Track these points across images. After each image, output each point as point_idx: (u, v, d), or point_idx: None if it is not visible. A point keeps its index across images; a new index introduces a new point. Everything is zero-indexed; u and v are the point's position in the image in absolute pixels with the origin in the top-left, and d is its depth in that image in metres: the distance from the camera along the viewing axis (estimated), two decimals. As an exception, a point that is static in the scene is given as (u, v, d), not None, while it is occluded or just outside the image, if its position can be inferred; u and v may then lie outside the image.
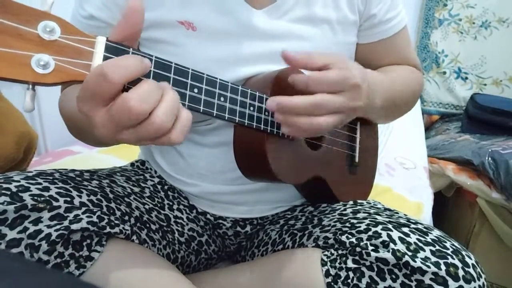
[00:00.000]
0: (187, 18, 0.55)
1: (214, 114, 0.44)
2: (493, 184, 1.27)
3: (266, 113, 0.51)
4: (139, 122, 0.35)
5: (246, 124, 0.48)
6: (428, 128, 1.94)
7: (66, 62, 0.34)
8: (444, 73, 1.93)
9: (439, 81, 1.95)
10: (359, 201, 0.66)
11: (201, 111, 0.43)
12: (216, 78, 0.44)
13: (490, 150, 1.31)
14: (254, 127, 0.49)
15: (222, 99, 0.45)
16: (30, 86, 0.33)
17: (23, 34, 0.32)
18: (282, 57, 0.47)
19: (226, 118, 0.46)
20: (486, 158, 1.29)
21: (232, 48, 0.57)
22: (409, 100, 0.70)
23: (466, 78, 1.92)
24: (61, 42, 0.33)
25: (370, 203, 0.65)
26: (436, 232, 0.53)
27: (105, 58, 0.35)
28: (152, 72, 0.38)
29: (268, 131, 0.51)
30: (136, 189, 0.64)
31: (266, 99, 0.49)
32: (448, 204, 1.54)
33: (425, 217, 1.01)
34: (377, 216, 0.57)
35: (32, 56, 0.32)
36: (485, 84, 1.90)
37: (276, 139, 0.53)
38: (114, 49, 0.36)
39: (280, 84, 0.53)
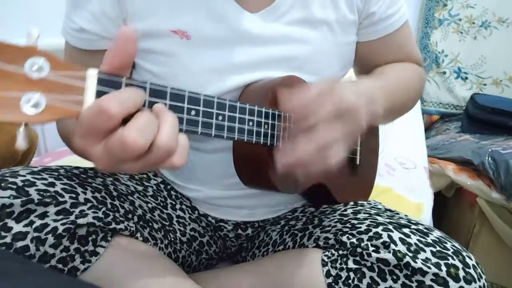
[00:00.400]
0: (180, 27, 0.54)
1: (213, 135, 0.43)
2: (493, 184, 1.27)
3: (266, 127, 0.50)
4: (140, 155, 0.34)
5: (245, 140, 0.47)
6: (428, 128, 1.94)
7: (57, 100, 0.32)
8: (444, 73, 1.93)
9: (439, 81, 1.95)
10: (359, 202, 0.66)
11: (199, 133, 0.41)
12: (213, 98, 0.43)
13: (490, 150, 1.31)
14: (254, 142, 0.48)
15: (220, 118, 0.44)
16: (23, 126, 0.32)
17: (9, 74, 0.30)
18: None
19: (225, 137, 0.45)
20: (486, 158, 1.29)
21: (228, 55, 0.55)
22: (411, 98, 0.69)
23: (466, 78, 1.92)
24: (51, 79, 0.32)
25: (370, 204, 0.65)
26: (436, 233, 0.53)
27: (98, 92, 0.34)
28: (147, 101, 0.37)
29: (268, 144, 0.50)
30: (140, 188, 0.64)
31: (266, 112, 0.49)
32: (448, 204, 1.54)
33: (425, 217, 1.02)
34: (377, 217, 0.57)
35: (21, 96, 0.30)
36: (485, 84, 1.90)
37: (275, 150, 0.51)
38: (106, 82, 0.34)
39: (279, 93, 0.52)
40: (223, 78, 0.55)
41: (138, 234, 0.55)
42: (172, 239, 0.63)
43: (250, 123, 0.47)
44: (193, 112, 0.40)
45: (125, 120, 0.33)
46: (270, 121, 0.50)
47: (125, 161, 0.34)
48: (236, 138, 0.46)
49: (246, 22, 0.55)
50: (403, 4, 0.67)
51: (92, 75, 0.33)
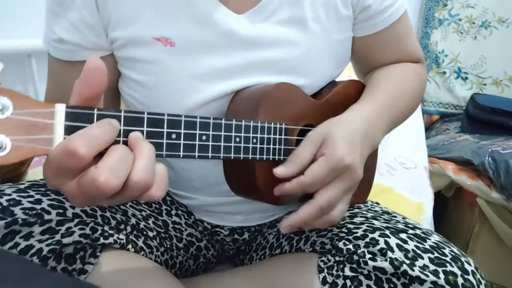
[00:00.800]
0: (164, 34, 0.51)
1: (196, 156, 0.41)
2: (493, 184, 1.27)
3: (254, 140, 0.47)
4: (114, 194, 0.32)
5: (232, 157, 0.45)
6: (428, 128, 1.94)
7: (24, 140, 0.30)
8: (444, 73, 1.93)
9: (439, 81, 1.95)
10: (356, 204, 0.65)
11: (181, 156, 0.39)
12: (196, 118, 0.40)
13: (490, 150, 1.31)
14: (241, 158, 0.46)
15: (204, 137, 0.41)
16: None
17: None
18: (277, 194, 0.48)
19: (210, 157, 0.42)
20: (486, 158, 1.29)
21: (215, 61, 0.53)
22: (413, 105, 0.66)
23: (466, 78, 1.92)
24: (15, 118, 0.29)
25: (367, 206, 0.64)
26: (434, 238, 0.52)
27: (67, 128, 0.32)
28: (122, 131, 0.34)
29: (257, 158, 0.48)
30: None
31: (254, 126, 0.47)
32: (448, 204, 1.54)
33: (426, 216, 1.01)
34: (374, 221, 0.56)
35: None
36: (485, 84, 1.90)
37: (265, 163, 0.50)
38: (76, 116, 0.32)
39: (269, 104, 0.50)
40: (210, 85, 0.53)
41: (130, 246, 0.54)
42: (168, 246, 0.62)
43: (237, 139, 0.45)
44: (173, 136, 0.38)
45: (100, 153, 0.32)
46: (258, 135, 0.47)
47: (100, 199, 0.32)
48: (222, 157, 0.43)
49: (233, 23, 0.52)
50: None
51: (60, 110, 0.31)
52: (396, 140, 1.39)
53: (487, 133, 1.59)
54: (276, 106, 0.51)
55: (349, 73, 0.72)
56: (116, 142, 0.34)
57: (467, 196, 1.39)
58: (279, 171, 0.47)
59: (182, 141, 0.39)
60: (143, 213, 0.61)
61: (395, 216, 0.59)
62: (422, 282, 0.46)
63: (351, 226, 0.55)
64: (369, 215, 0.59)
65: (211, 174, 0.61)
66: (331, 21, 0.58)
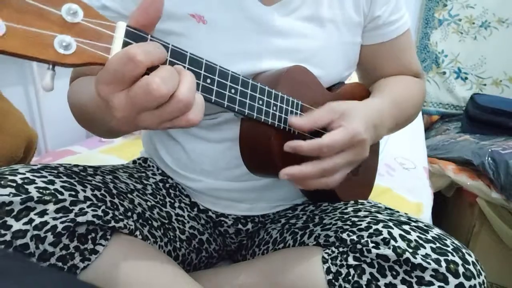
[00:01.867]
0: (198, 11, 0.56)
1: (225, 105, 0.45)
2: (493, 184, 1.27)
3: (274, 108, 0.51)
4: (160, 105, 0.36)
5: (255, 117, 0.49)
6: (428, 128, 1.95)
7: (87, 44, 0.34)
8: (444, 73, 1.93)
9: (439, 81, 1.95)
10: (360, 200, 0.66)
11: (213, 101, 0.43)
12: (228, 71, 0.45)
13: (490, 150, 1.31)
14: (262, 120, 0.50)
15: (233, 91, 0.45)
16: (51, 66, 0.34)
17: (47, 15, 0.32)
18: (289, 125, 0.52)
19: (236, 110, 0.47)
20: (486, 158, 1.29)
21: (241, 42, 0.58)
22: (415, 114, 0.73)
23: (466, 78, 1.92)
24: (83, 24, 0.34)
25: (371, 203, 0.65)
26: (436, 230, 0.53)
27: (125, 43, 0.36)
28: (168, 61, 0.39)
29: (276, 125, 0.52)
30: (139, 186, 0.64)
31: (275, 94, 0.52)
32: (448, 204, 1.54)
33: (425, 217, 1.02)
34: (378, 215, 0.57)
35: (55, 36, 0.33)
36: (485, 84, 1.91)
37: (282, 134, 0.53)
38: (133, 35, 0.36)
39: (288, 80, 0.55)
40: (233, 64, 0.56)
41: (138, 232, 0.55)
42: (172, 237, 0.64)
43: (260, 102, 0.50)
44: (208, 80, 0.43)
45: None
46: (278, 104, 0.52)
47: (145, 109, 0.36)
48: (246, 113, 0.48)
49: (261, 13, 0.58)
50: (406, 13, 0.71)
51: (121, 26, 0.36)
52: (395, 141, 1.39)
53: (487, 134, 1.60)
54: (293, 84, 0.56)
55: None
56: None
57: (467, 196, 1.39)
58: (294, 119, 0.51)
59: (215, 87, 0.43)
60: (148, 203, 0.62)
61: (398, 212, 0.61)
62: (423, 269, 0.48)
63: (355, 219, 0.57)
64: (373, 210, 0.60)
65: (223, 157, 0.63)
66: (345, 24, 0.65)
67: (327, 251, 0.56)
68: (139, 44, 0.35)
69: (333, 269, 0.53)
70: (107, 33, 0.35)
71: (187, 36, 0.57)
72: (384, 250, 0.50)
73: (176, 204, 0.67)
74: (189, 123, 0.37)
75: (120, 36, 0.36)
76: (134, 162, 0.74)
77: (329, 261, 0.54)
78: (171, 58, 0.39)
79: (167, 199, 0.67)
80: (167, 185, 0.69)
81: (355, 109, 0.53)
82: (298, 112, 0.55)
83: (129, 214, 0.56)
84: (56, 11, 0.33)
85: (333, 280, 0.52)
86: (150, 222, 0.60)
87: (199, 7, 0.56)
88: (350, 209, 0.61)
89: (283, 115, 0.53)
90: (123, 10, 0.57)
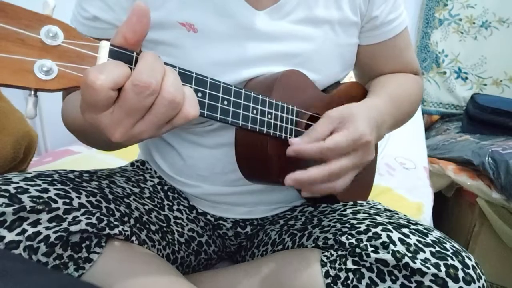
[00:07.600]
0: (188, 20, 0.55)
1: (218, 118, 0.44)
2: (493, 184, 1.27)
3: (269, 116, 0.50)
4: (150, 106, 0.35)
5: (249, 127, 0.48)
6: (428, 128, 1.94)
7: (69, 68, 0.33)
8: (444, 73, 1.93)
9: (439, 81, 1.95)
10: (359, 201, 0.66)
11: (205, 115, 0.42)
12: (220, 82, 0.44)
13: (490, 150, 1.31)
14: (257, 130, 0.49)
15: (225, 102, 0.44)
16: (33, 93, 0.32)
17: (25, 39, 0.31)
18: (291, 154, 0.48)
19: (230, 122, 0.45)
20: (486, 158, 1.29)
21: (234, 50, 0.56)
22: (413, 110, 0.72)
23: (466, 78, 1.92)
24: (64, 47, 0.33)
25: (370, 204, 0.65)
26: (436, 234, 0.53)
27: None
28: None
29: (271, 134, 0.51)
30: (136, 190, 0.63)
31: (270, 102, 0.50)
32: (448, 204, 1.54)
33: (425, 217, 1.01)
34: (377, 217, 0.57)
35: (35, 62, 0.31)
36: (485, 84, 1.90)
37: (278, 142, 0.52)
38: (117, 54, 0.35)
39: (282, 86, 0.53)
40: (226, 72, 0.56)
41: (134, 238, 0.55)
42: (170, 240, 0.63)
43: (254, 111, 0.48)
44: (199, 94, 0.41)
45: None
46: (273, 111, 0.51)
47: (136, 113, 0.35)
48: (240, 124, 0.47)
49: (253, 18, 0.56)
50: (404, 11, 0.69)
51: (104, 46, 0.34)
52: (396, 141, 1.39)
53: (487, 133, 1.59)
54: (287, 90, 0.54)
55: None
56: None
57: (467, 196, 1.39)
58: (295, 140, 0.49)
59: (206, 100, 0.42)
60: (146, 207, 0.62)
61: (397, 213, 0.61)
62: (423, 274, 0.47)
63: (354, 221, 0.56)
64: (372, 211, 0.60)
65: (219, 163, 0.62)
66: (341, 25, 0.63)
67: (325, 254, 0.55)
68: (97, 67, 0.33)
69: (332, 272, 0.53)
70: (90, 54, 0.34)
71: (177, 45, 0.56)
72: (383, 255, 0.49)
73: (175, 207, 0.67)
74: (187, 118, 0.37)
75: (103, 56, 0.34)
76: (132, 164, 0.73)
77: (328, 264, 0.54)
78: None
79: (165, 202, 0.66)
80: (165, 187, 0.68)
81: (356, 112, 0.52)
82: (294, 117, 0.54)
83: (126, 219, 0.55)
84: (34, 34, 0.31)
85: (332, 284, 0.52)
86: (148, 226, 0.59)
87: (190, 15, 0.55)
88: (348, 211, 0.61)
89: (278, 123, 0.52)
90: (115, 21, 0.55)
